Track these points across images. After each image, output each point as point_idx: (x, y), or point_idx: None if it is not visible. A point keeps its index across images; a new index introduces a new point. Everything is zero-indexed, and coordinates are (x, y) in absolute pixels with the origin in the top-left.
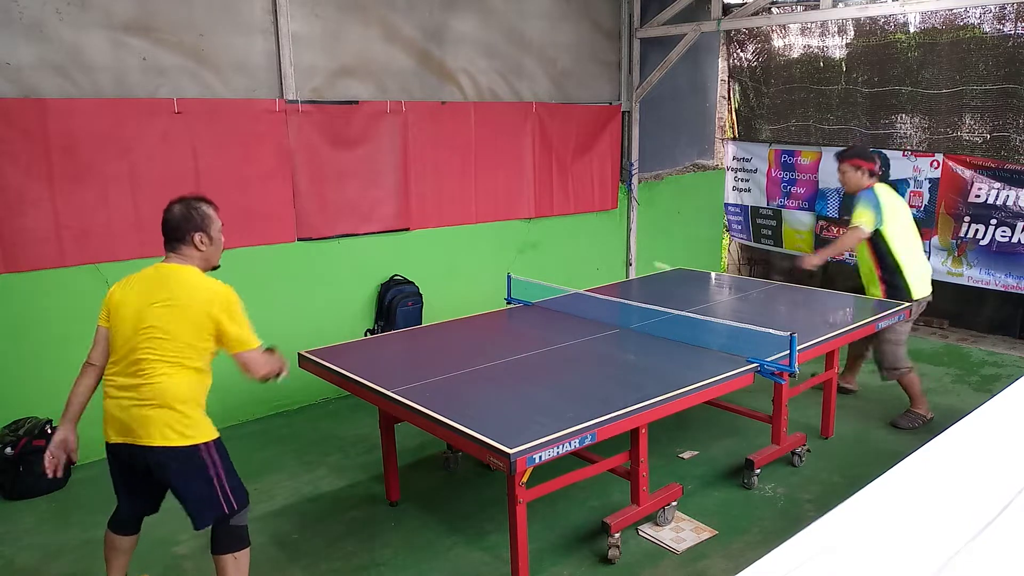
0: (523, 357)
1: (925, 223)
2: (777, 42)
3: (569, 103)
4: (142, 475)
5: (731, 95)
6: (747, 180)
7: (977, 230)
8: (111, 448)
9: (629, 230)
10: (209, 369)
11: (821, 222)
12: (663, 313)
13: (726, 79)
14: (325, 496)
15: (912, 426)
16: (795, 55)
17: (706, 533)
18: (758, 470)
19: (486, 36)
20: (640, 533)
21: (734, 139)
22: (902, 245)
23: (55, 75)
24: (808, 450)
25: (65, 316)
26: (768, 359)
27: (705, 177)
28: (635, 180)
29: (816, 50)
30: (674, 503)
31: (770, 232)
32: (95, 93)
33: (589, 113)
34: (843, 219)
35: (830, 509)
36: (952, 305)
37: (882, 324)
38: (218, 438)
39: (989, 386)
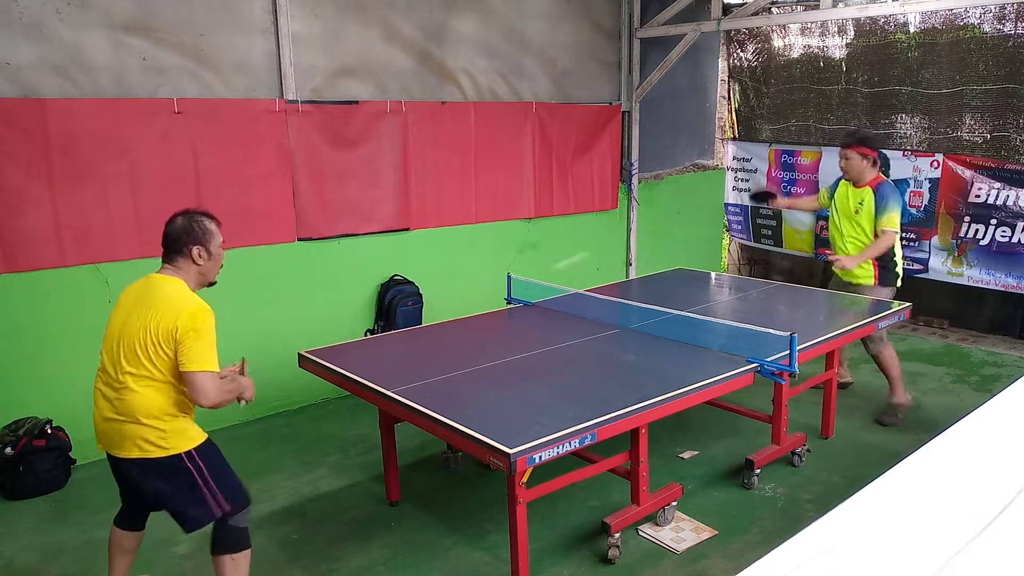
0: (523, 357)
1: (925, 223)
2: (777, 42)
3: (569, 103)
4: (132, 482)
5: (731, 95)
6: (747, 180)
7: (977, 230)
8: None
9: (629, 230)
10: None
11: (821, 222)
12: (663, 313)
13: (726, 79)
14: (325, 496)
15: (897, 421)
16: (795, 55)
17: (706, 533)
18: (758, 470)
19: (486, 36)
20: (640, 533)
21: (734, 139)
22: (897, 237)
23: (55, 75)
24: (808, 450)
25: (65, 316)
26: (768, 359)
27: (705, 177)
28: (635, 180)
29: (816, 50)
30: (674, 503)
31: (770, 232)
32: (95, 93)
33: (589, 113)
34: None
35: (830, 509)
36: (952, 305)
37: (882, 324)
38: (203, 443)
39: (989, 386)
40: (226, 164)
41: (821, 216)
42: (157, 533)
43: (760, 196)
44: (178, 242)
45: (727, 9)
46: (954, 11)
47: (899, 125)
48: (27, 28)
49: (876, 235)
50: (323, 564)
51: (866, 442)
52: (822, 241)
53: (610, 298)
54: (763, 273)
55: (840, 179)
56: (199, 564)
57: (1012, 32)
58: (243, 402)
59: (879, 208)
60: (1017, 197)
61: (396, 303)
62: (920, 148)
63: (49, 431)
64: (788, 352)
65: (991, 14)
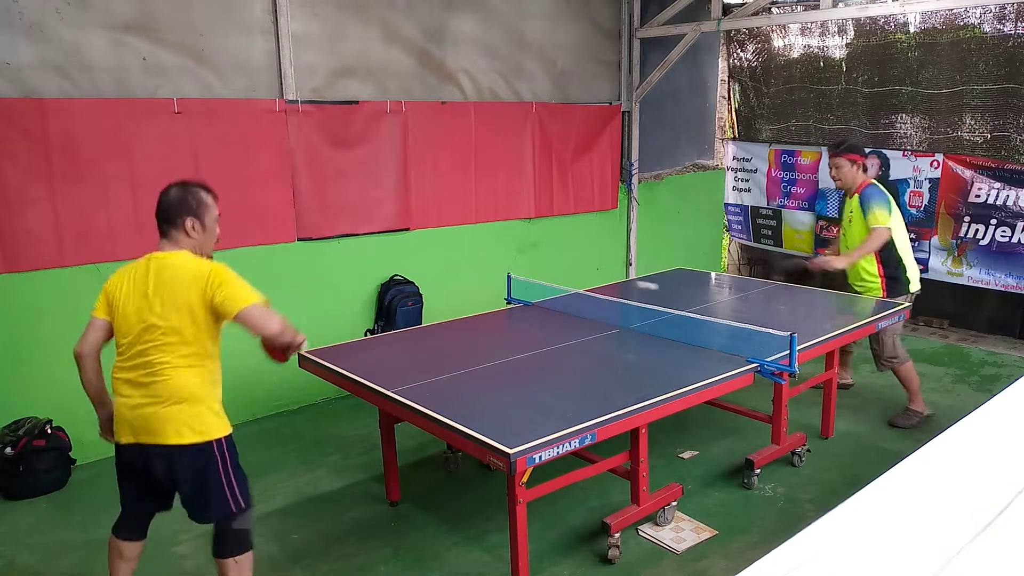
0: (523, 357)
1: (925, 223)
2: (777, 42)
3: (569, 103)
4: (153, 475)
5: (731, 95)
6: (747, 180)
7: (977, 230)
8: (122, 449)
9: (629, 230)
10: (218, 355)
11: (821, 222)
12: (663, 313)
13: (726, 79)
14: (325, 496)
15: (910, 424)
16: (795, 55)
17: (706, 533)
18: (758, 470)
19: (486, 36)
20: (640, 533)
21: (734, 139)
22: (902, 241)
23: (55, 75)
24: (808, 450)
25: (65, 316)
26: (768, 359)
27: (705, 177)
28: (635, 180)
29: (816, 50)
30: (674, 503)
31: (770, 232)
32: (95, 93)
33: (589, 113)
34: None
35: (830, 509)
36: (952, 305)
37: (882, 324)
38: (231, 434)
39: (989, 386)
40: (226, 164)
41: (821, 216)
42: (158, 534)
43: (795, 272)
44: (170, 212)
45: (727, 9)
46: (954, 11)
47: (899, 125)
48: (27, 28)
49: None
50: (323, 564)
51: (866, 442)
52: (822, 241)
53: (610, 298)
54: (763, 273)
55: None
56: (199, 564)
57: (1012, 32)
58: (304, 345)
59: (864, 209)
60: (1017, 197)
61: (396, 303)
62: (920, 148)
63: (49, 431)
64: (788, 352)
65: (991, 14)
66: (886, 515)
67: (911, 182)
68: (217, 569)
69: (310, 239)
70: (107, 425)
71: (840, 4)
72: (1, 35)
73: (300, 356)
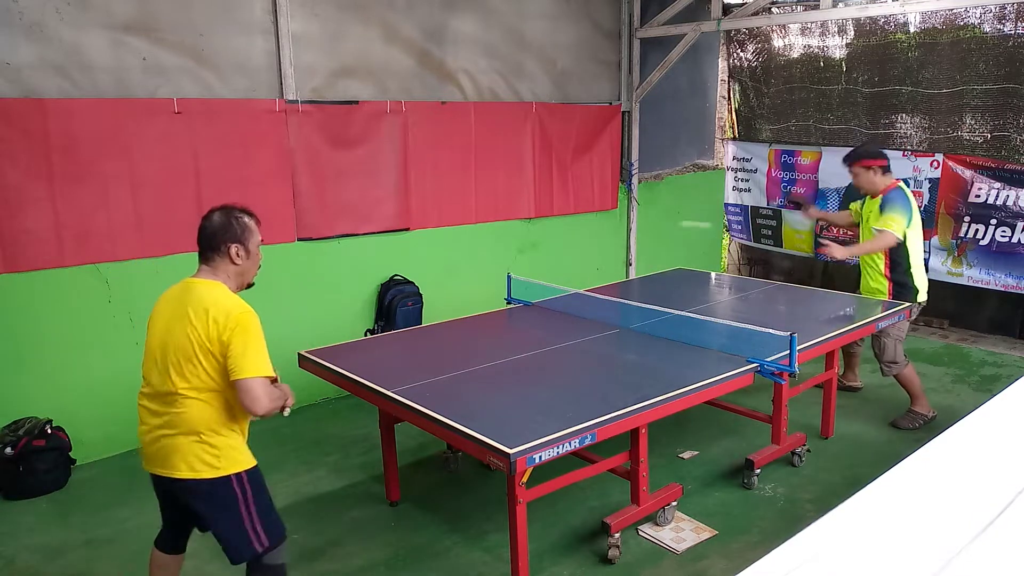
0: (523, 357)
1: (925, 223)
2: (777, 42)
3: (569, 103)
4: (178, 503)
5: (731, 95)
6: (747, 180)
7: (977, 230)
8: (150, 474)
9: (629, 230)
10: None
11: (821, 222)
12: (663, 313)
13: (726, 79)
14: (325, 496)
15: (913, 426)
16: (795, 55)
17: (706, 533)
18: (758, 470)
19: (486, 36)
20: (640, 533)
21: (734, 139)
22: (915, 248)
23: (55, 75)
24: (808, 450)
25: (65, 316)
26: (768, 359)
27: (705, 177)
28: (635, 180)
29: (816, 50)
30: (674, 503)
31: (770, 232)
32: (95, 93)
33: (589, 113)
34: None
35: (830, 509)
36: (952, 305)
37: (882, 324)
38: (253, 468)
39: (989, 386)
40: (226, 164)
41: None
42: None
43: (795, 203)
44: (214, 238)
45: (727, 9)
46: (954, 11)
47: (899, 125)
48: (27, 28)
49: None
50: (323, 564)
51: (866, 442)
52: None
53: (610, 298)
54: (763, 273)
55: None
56: (199, 564)
57: (1012, 32)
58: (287, 410)
59: (883, 210)
60: (1017, 197)
61: (396, 303)
62: (920, 148)
63: (49, 431)
64: (788, 352)
65: (991, 14)
66: (886, 515)
67: (911, 182)
68: None
69: (310, 239)
70: None
71: (840, 4)
72: (1, 35)
73: (300, 356)
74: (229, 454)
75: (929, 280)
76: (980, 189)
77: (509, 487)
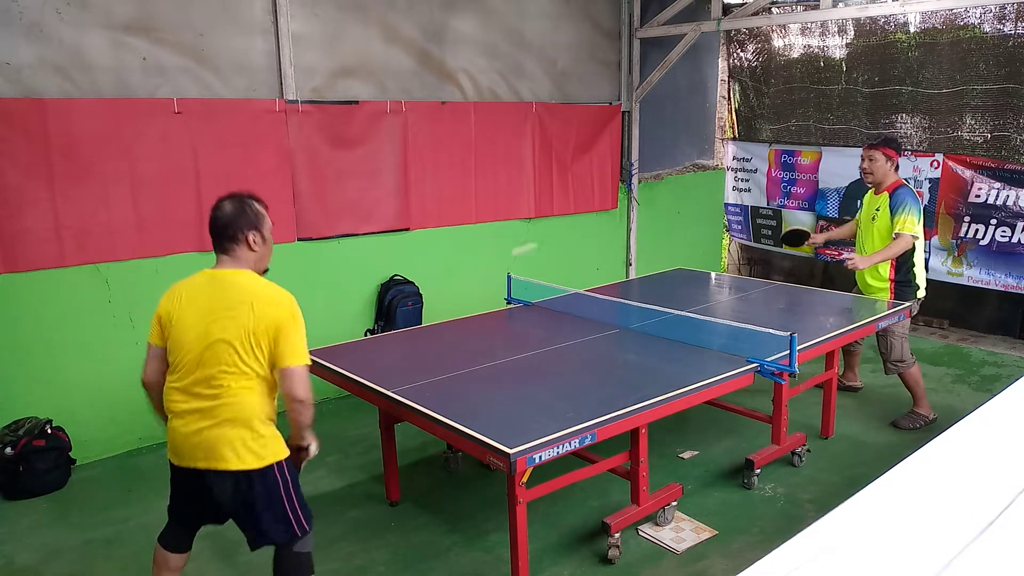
0: (523, 357)
1: (925, 223)
2: (777, 42)
3: (569, 103)
4: (213, 499)
5: (731, 95)
6: (747, 180)
7: (977, 230)
8: (178, 469)
9: (629, 230)
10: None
11: (821, 222)
12: (663, 313)
13: (726, 79)
14: (325, 496)
15: (914, 426)
16: (795, 55)
17: (706, 533)
18: (758, 470)
19: (486, 36)
20: (640, 533)
21: (734, 139)
22: (920, 246)
23: (55, 75)
24: (808, 450)
25: (65, 316)
26: (768, 359)
27: (705, 177)
28: (635, 180)
29: (816, 50)
30: (674, 503)
31: (770, 232)
32: (95, 93)
33: (589, 113)
34: (843, 219)
35: (830, 509)
36: (952, 305)
37: (882, 324)
38: (287, 457)
39: (989, 386)
40: (226, 164)
41: (821, 215)
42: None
43: (791, 237)
44: (230, 227)
45: (727, 9)
46: (954, 11)
47: (899, 125)
48: (27, 28)
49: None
50: (323, 564)
51: (866, 442)
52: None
53: (610, 298)
54: (763, 273)
55: (868, 190)
56: (200, 565)
57: (1012, 32)
58: (310, 454)
59: (893, 211)
60: (1017, 197)
61: (396, 303)
62: (920, 148)
63: (49, 431)
64: (788, 352)
65: (991, 14)
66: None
67: (911, 182)
68: None
69: (310, 239)
70: None
71: (840, 4)
72: (1, 35)
73: None
74: (272, 443)
75: (929, 280)
76: (980, 189)
77: (509, 487)
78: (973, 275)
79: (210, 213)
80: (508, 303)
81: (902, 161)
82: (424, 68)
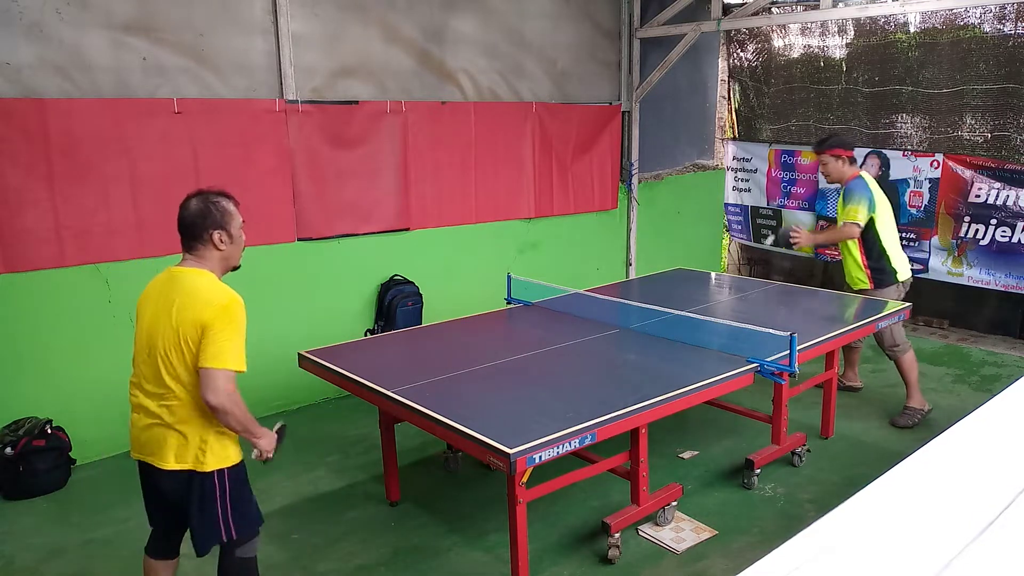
0: (523, 357)
1: (925, 223)
2: (777, 42)
3: (569, 103)
4: (159, 493)
5: (731, 95)
6: (747, 180)
7: (977, 230)
8: (138, 463)
9: (629, 230)
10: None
11: (821, 222)
12: (663, 313)
13: (726, 79)
14: (325, 496)
15: (911, 423)
16: (795, 55)
17: (706, 533)
18: (758, 470)
19: (486, 36)
20: (640, 533)
21: (734, 139)
22: (887, 233)
23: (55, 75)
24: (808, 450)
25: (65, 316)
26: (768, 359)
27: (705, 177)
28: (635, 180)
29: (816, 50)
30: (674, 503)
31: (770, 232)
32: (95, 93)
33: (589, 113)
34: None
35: (830, 509)
36: (952, 305)
37: (882, 324)
38: (236, 464)
39: (989, 386)
40: (226, 164)
41: (821, 215)
42: None
43: (786, 243)
44: (195, 227)
45: (727, 9)
46: (954, 11)
47: (899, 125)
48: (27, 28)
49: None
50: (323, 564)
51: (866, 442)
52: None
53: (610, 298)
54: (763, 273)
55: None
56: (199, 564)
57: (1012, 32)
58: (256, 452)
59: (844, 202)
60: (1017, 197)
61: (396, 303)
62: (920, 148)
63: (49, 431)
64: (788, 352)
65: (991, 14)
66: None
67: (911, 182)
68: None
69: (310, 239)
70: None
71: (840, 4)
72: (1, 35)
73: (300, 356)
74: (217, 450)
75: (929, 280)
76: (980, 189)
77: (509, 487)
78: (973, 275)
79: (178, 211)
80: (508, 303)
81: (902, 162)
82: (424, 68)
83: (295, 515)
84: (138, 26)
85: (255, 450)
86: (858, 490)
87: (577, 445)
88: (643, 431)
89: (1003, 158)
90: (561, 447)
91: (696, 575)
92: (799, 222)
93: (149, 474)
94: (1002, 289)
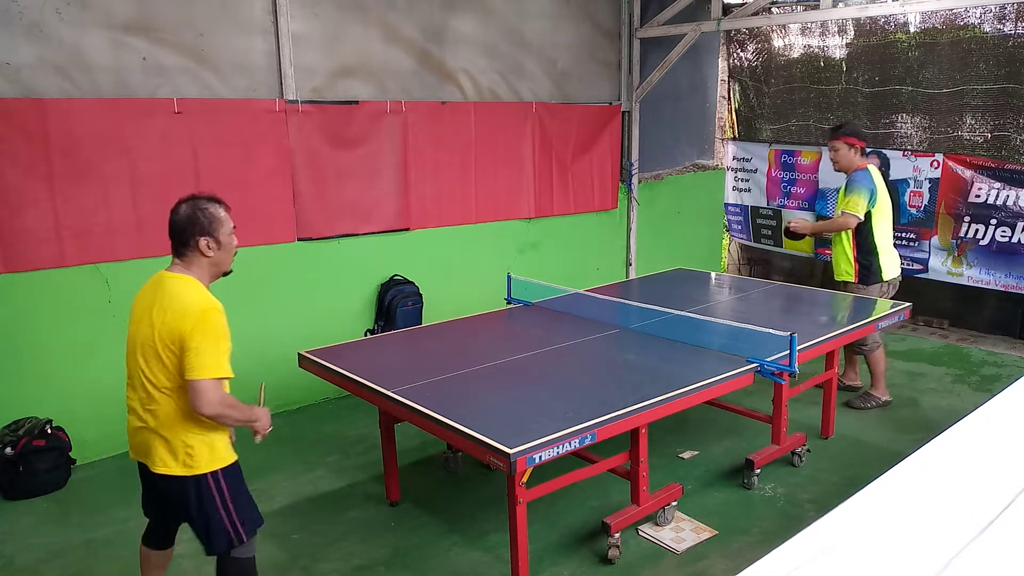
0: (523, 357)
1: (925, 223)
2: (777, 42)
3: (569, 103)
4: (162, 494)
5: (731, 95)
6: (747, 180)
7: (977, 230)
8: (136, 462)
9: (629, 230)
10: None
11: (821, 222)
12: (663, 313)
13: (726, 79)
14: (325, 496)
15: (866, 406)
16: (795, 55)
17: (706, 533)
18: (758, 470)
19: (486, 36)
20: (640, 533)
21: (734, 139)
22: (881, 230)
23: (55, 75)
24: (808, 450)
25: (65, 316)
26: (768, 359)
27: (705, 177)
28: (635, 180)
29: (816, 50)
30: (674, 503)
31: (770, 232)
32: (95, 93)
33: (589, 113)
34: None
35: (830, 509)
36: (952, 305)
37: (882, 324)
38: (230, 465)
39: (989, 386)
40: (226, 164)
41: (821, 215)
42: None
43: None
44: (183, 233)
45: (727, 9)
46: (954, 11)
47: (899, 125)
48: (27, 28)
49: None
50: (323, 564)
51: (866, 442)
52: (822, 241)
53: (610, 298)
54: (763, 273)
55: None
56: (199, 564)
57: (1012, 32)
58: (259, 436)
59: (846, 192)
60: (1017, 197)
61: (396, 303)
62: (920, 148)
63: (49, 431)
64: (788, 352)
65: (991, 14)
66: (886, 515)
67: (911, 182)
68: None
69: (310, 239)
70: None
71: (840, 4)
72: (1, 35)
73: (300, 356)
74: (204, 453)
75: (929, 280)
76: (980, 189)
77: (509, 487)
78: (973, 275)
79: (169, 216)
80: (508, 303)
81: (902, 162)
82: (424, 68)
83: (295, 515)
84: (138, 26)
85: (257, 435)
86: (858, 490)
87: (577, 445)
88: (643, 431)
89: (1003, 158)
90: (561, 447)
91: (696, 575)
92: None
93: (147, 475)
94: (1002, 289)
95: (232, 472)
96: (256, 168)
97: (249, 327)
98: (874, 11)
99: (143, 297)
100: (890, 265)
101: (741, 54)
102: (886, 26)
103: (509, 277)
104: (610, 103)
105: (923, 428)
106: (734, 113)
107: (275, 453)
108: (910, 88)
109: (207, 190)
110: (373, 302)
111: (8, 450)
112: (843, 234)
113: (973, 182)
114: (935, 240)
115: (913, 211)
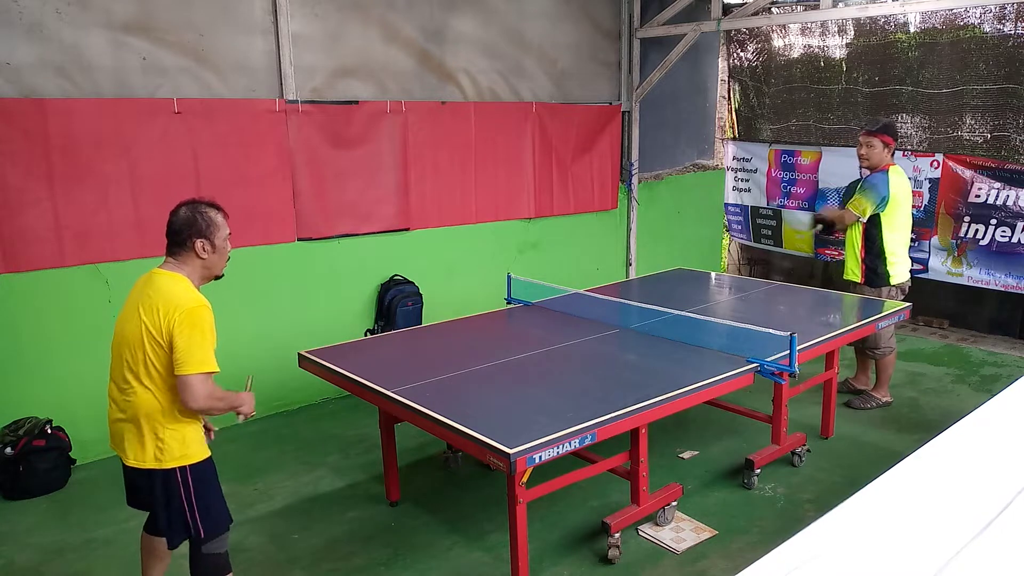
0: (523, 357)
1: (925, 223)
2: (777, 42)
3: (569, 103)
4: (134, 486)
5: (731, 95)
6: (747, 180)
7: (977, 230)
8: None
9: (629, 230)
10: None
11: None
12: (663, 313)
13: (726, 79)
14: (325, 496)
15: (866, 407)
16: (795, 55)
17: (706, 533)
18: (758, 470)
19: (486, 36)
20: (640, 533)
21: (734, 139)
22: (893, 235)
23: (55, 75)
24: (808, 450)
25: (65, 316)
26: (768, 359)
27: (705, 177)
28: (635, 180)
29: (816, 50)
30: (674, 503)
31: (770, 232)
32: (95, 93)
33: (589, 113)
34: None
35: (830, 509)
36: (952, 305)
37: (882, 324)
38: (201, 462)
39: (989, 386)
40: (226, 164)
41: None
42: None
43: (824, 224)
44: (180, 234)
45: (727, 9)
46: (954, 11)
47: (899, 125)
48: (27, 28)
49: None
50: (323, 564)
51: (866, 442)
52: (822, 241)
53: (610, 298)
54: (763, 273)
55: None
56: None
57: (1012, 32)
58: (241, 416)
59: (859, 189)
60: (1017, 197)
61: (396, 303)
62: (920, 148)
63: (49, 431)
64: (788, 352)
65: (991, 14)
66: (886, 515)
67: (911, 182)
68: None
69: (310, 239)
70: None
71: (840, 4)
72: (1, 35)
73: (300, 356)
74: (175, 448)
75: (929, 280)
76: (980, 189)
77: (509, 487)
78: (973, 275)
79: (168, 217)
80: (508, 303)
81: (903, 162)
82: (424, 68)
83: (295, 515)
84: (138, 26)
85: (240, 416)
86: (858, 490)
87: (577, 445)
88: (643, 431)
89: (1003, 158)
90: (561, 447)
91: (696, 575)
92: (799, 222)
93: (122, 465)
94: (1002, 289)
95: (201, 468)
96: (256, 168)
97: (249, 327)
98: (874, 11)
99: (133, 292)
100: (899, 271)
101: (741, 54)
102: (886, 26)
103: (509, 277)
104: (610, 103)
105: (923, 428)
106: (734, 113)
107: (275, 453)
108: (910, 88)
109: (207, 190)
110: (373, 302)
111: (8, 450)
112: (855, 234)
113: (973, 182)
114: (935, 240)
115: (913, 211)
